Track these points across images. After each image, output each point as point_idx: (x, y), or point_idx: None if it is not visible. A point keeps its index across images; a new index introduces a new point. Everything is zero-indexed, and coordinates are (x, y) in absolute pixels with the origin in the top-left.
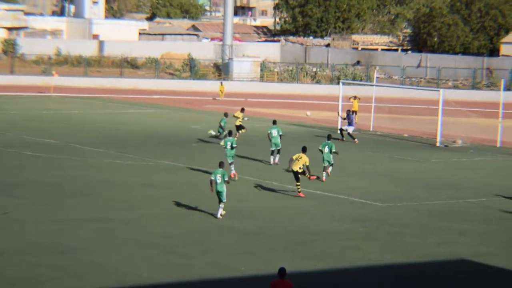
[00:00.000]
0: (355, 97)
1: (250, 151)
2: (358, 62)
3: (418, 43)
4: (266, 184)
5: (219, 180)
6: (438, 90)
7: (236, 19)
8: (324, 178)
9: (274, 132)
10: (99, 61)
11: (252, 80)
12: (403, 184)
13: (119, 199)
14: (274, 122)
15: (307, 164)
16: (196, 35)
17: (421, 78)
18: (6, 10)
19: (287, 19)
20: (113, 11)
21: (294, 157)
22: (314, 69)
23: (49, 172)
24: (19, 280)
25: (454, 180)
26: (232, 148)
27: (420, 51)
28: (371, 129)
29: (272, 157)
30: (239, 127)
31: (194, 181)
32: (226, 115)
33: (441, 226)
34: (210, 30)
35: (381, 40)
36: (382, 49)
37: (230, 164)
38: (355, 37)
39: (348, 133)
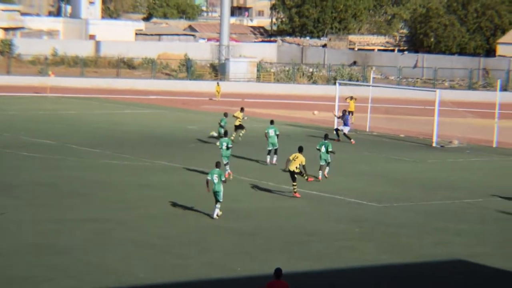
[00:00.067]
0: (351, 98)
1: (247, 151)
2: (354, 63)
3: (415, 43)
4: (262, 184)
5: (216, 180)
6: (435, 91)
7: (233, 20)
8: (320, 177)
9: (271, 132)
10: (95, 62)
11: (248, 80)
12: (399, 185)
13: (116, 200)
14: (272, 122)
15: (304, 163)
16: (192, 35)
17: (417, 78)
18: (2, 10)
19: (283, 19)
20: (110, 11)
21: (290, 157)
22: (311, 70)
23: (46, 173)
24: (15, 280)
25: (450, 180)
26: (227, 148)
27: (416, 51)
28: (367, 130)
29: (268, 156)
30: (238, 127)
31: (190, 181)
32: (226, 115)
33: (437, 226)
34: (207, 30)
35: (377, 41)
36: (379, 50)
37: (226, 164)
38: (351, 37)
39: (344, 134)
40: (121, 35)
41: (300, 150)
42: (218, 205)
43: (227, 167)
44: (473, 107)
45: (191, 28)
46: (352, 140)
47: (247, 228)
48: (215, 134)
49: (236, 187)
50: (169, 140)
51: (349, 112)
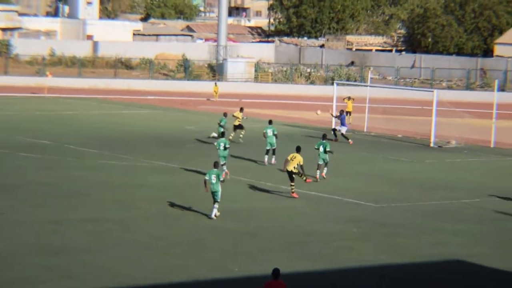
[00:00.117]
0: (349, 98)
1: (245, 151)
2: (352, 63)
3: (412, 43)
4: (260, 184)
5: (214, 181)
6: (432, 91)
7: (231, 20)
8: (317, 176)
9: (270, 132)
10: (93, 62)
11: (246, 80)
12: (397, 185)
13: (114, 200)
14: (270, 122)
15: (301, 163)
16: (190, 35)
17: (415, 78)
18: (0, 10)
19: (281, 19)
20: (107, 11)
21: (288, 158)
22: (308, 70)
23: (44, 173)
24: (14, 280)
25: (448, 180)
26: (225, 149)
27: (414, 51)
28: (365, 130)
29: (266, 156)
30: (238, 127)
31: (189, 181)
32: (225, 115)
33: (435, 226)
34: (205, 30)
35: (375, 41)
36: (376, 50)
37: (223, 165)
38: (349, 37)
39: (342, 134)
40: (118, 36)
41: (298, 150)
42: (216, 205)
43: (224, 167)
44: (471, 107)
45: (189, 28)
46: (350, 140)
47: (245, 229)
48: (215, 135)
49: (234, 188)
50: (167, 140)
51: (347, 112)
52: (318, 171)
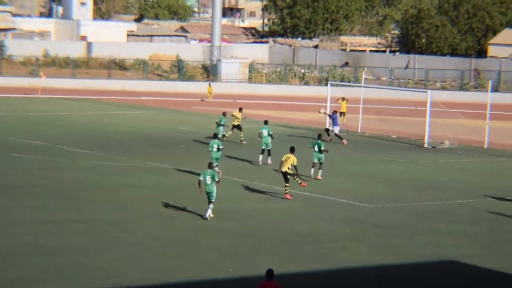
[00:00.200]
0: (343, 99)
1: (239, 152)
2: (346, 64)
3: (406, 44)
4: (254, 185)
5: (209, 181)
6: (426, 92)
7: (225, 21)
8: (311, 174)
9: (265, 132)
10: (87, 63)
11: (240, 81)
12: (391, 185)
13: (108, 201)
14: (266, 122)
15: (295, 164)
16: (184, 36)
17: (409, 79)
18: None
19: (275, 20)
20: (101, 12)
21: (283, 159)
22: (302, 71)
23: (37, 174)
24: (8, 281)
25: (441, 181)
26: (218, 150)
27: (408, 52)
28: (359, 131)
29: (261, 156)
30: (236, 127)
31: (182, 182)
32: (224, 114)
33: (429, 227)
34: (199, 31)
35: (369, 42)
36: (370, 51)
37: (215, 166)
38: (343, 38)
39: (336, 134)
40: (112, 36)
41: (292, 150)
42: (211, 206)
43: (216, 169)
44: (465, 108)
45: (182, 29)
46: (344, 140)
47: (239, 229)
48: (225, 133)
49: (228, 188)
50: (160, 141)
51: (341, 113)
52: (312, 169)
